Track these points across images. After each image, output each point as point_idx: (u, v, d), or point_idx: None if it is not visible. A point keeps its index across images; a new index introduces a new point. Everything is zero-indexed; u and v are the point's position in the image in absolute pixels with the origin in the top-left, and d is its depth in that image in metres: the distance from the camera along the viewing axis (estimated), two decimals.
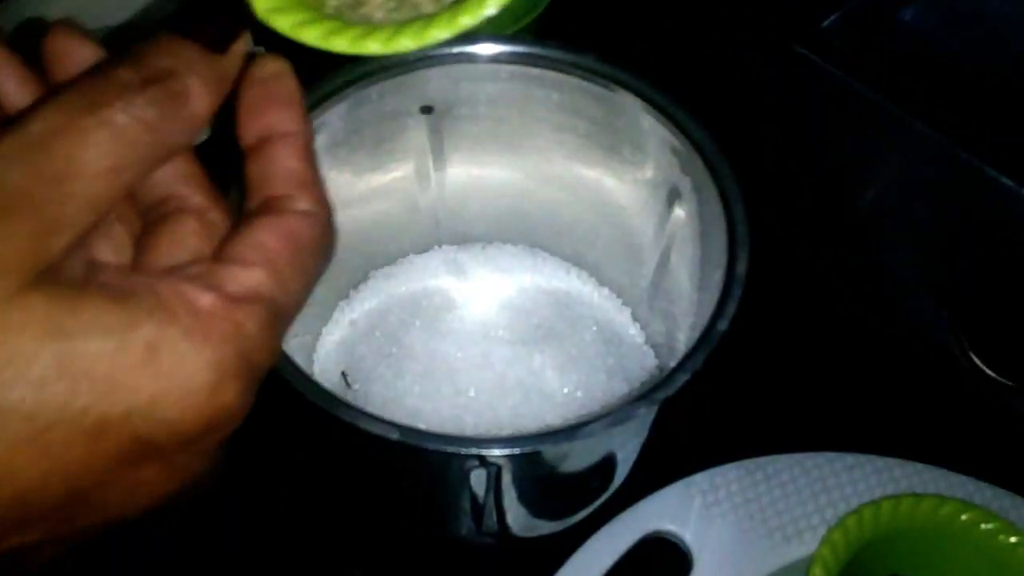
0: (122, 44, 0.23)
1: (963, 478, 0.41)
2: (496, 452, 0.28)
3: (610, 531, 0.40)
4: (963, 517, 0.38)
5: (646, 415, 0.29)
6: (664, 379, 0.29)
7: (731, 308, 0.30)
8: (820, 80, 0.44)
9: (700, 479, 0.41)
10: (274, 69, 0.24)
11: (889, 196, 0.44)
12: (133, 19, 0.59)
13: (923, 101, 0.42)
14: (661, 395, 0.29)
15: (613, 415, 0.28)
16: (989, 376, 0.42)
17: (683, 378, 0.29)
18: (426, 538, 0.40)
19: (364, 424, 0.28)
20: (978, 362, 0.42)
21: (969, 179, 0.40)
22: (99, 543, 0.23)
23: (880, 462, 0.42)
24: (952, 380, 0.44)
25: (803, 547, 0.40)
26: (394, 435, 0.28)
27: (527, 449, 0.28)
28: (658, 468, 0.41)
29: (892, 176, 0.44)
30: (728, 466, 0.42)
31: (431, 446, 0.28)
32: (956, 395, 0.44)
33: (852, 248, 0.47)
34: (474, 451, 0.28)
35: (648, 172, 0.39)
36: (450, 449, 0.28)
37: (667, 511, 0.40)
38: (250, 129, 0.24)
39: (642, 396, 0.29)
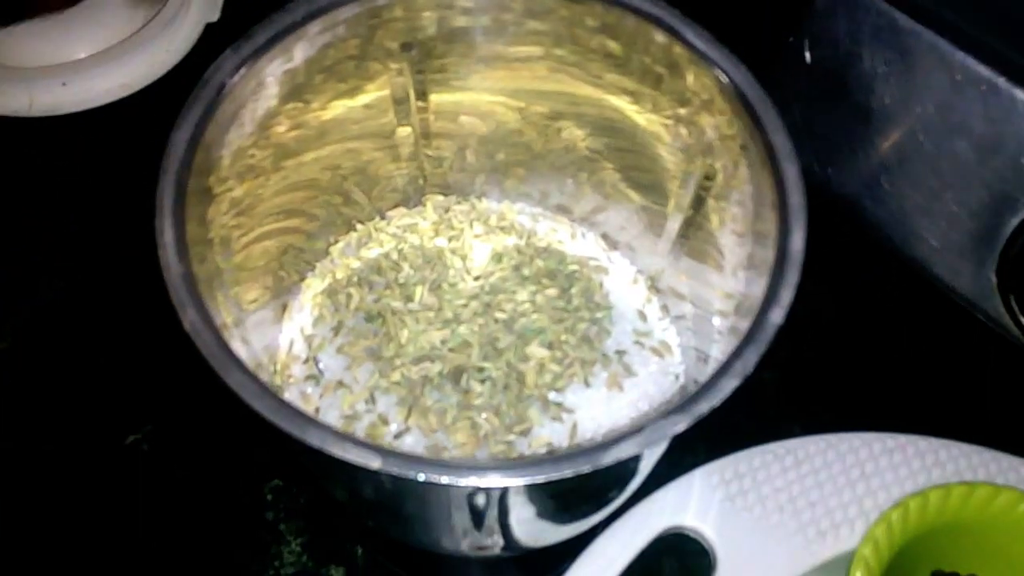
0: None
1: (1017, 460, 0.38)
2: (496, 482, 0.23)
3: (623, 527, 0.36)
4: (1021, 508, 0.34)
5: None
6: (706, 386, 0.24)
7: (786, 296, 0.25)
8: (858, 9, 0.40)
9: (721, 466, 0.37)
10: None
11: (930, 137, 0.41)
12: None
13: (963, 29, 0.39)
14: (704, 407, 0.24)
15: (644, 434, 0.23)
16: None
17: (731, 384, 0.24)
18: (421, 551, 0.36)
19: (339, 450, 0.23)
20: None
21: (1012, 112, 0.37)
22: None
23: (924, 443, 0.38)
24: (1002, 351, 0.41)
25: (840, 543, 0.36)
26: (375, 463, 0.23)
27: (537, 479, 0.23)
28: (675, 454, 0.37)
29: (932, 113, 0.40)
30: (752, 450, 0.38)
31: (422, 476, 0.23)
32: (1007, 367, 0.42)
33: (888, 203, 0.44)
34: (472, 480, 0.23)
35: (677, 119, 0.34)
36: (445, 480, 0.22)
37: (684, 504, 0.37)
38: None
39: (680, 407, 0.24)
